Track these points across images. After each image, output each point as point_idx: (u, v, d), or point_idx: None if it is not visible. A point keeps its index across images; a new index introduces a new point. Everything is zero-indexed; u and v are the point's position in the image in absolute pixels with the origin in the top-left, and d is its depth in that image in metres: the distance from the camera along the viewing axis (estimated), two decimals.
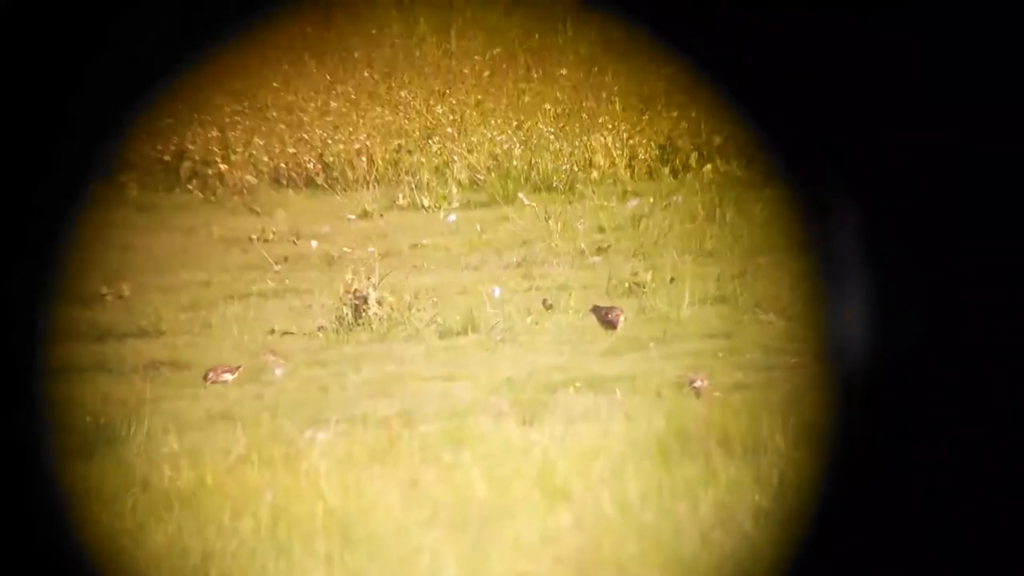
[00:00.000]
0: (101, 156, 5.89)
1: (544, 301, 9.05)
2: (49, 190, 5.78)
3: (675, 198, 10.41)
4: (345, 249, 9.79)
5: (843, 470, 5.67)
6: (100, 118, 5.75)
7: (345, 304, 8.79)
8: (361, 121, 11.17)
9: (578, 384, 7.88)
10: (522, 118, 11.68)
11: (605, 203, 10.49)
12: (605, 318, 8.54)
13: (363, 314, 8.77)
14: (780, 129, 5.69)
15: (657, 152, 11.22)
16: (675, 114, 11.42)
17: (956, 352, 5.41)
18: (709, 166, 10.96)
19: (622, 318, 8.51)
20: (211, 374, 8.15)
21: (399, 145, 11.03)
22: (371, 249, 9.75)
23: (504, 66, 12.28)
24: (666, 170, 11.08)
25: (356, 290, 8.79)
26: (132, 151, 10.87)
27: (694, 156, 11.11)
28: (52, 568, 5.49)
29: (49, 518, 5.58)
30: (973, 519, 5.43)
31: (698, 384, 7.68)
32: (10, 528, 5.48)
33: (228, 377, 8.14)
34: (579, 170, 11.09)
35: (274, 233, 10.11)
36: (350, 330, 8.76)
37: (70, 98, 5.64)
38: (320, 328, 8.81)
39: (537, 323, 8.83)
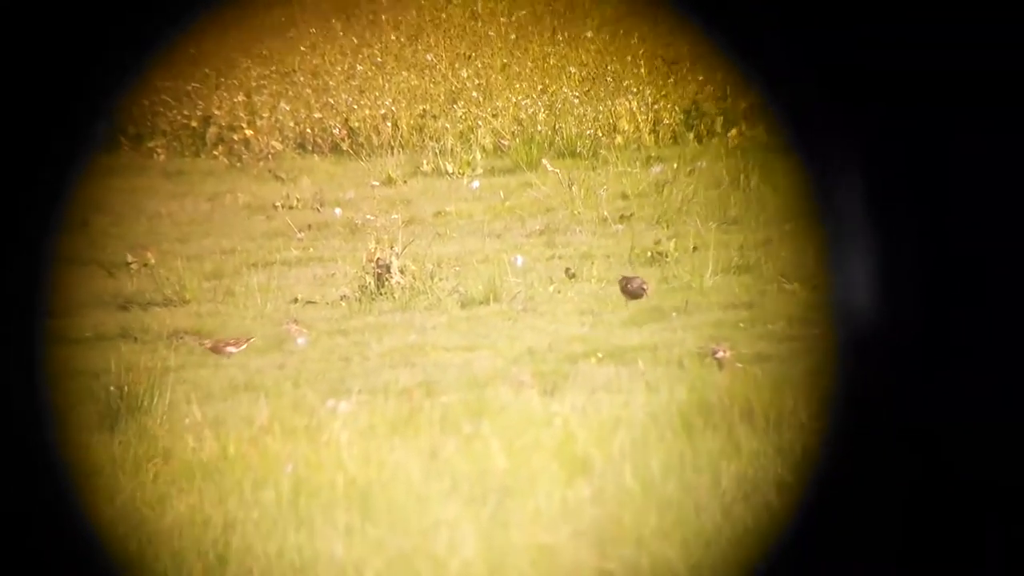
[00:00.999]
0: (106, 112, 5.85)
1: (567, 270, 8.96)
2: (54, 147, 5.74)
3: (700, 164, 10.28)
4: (369, 216, 9.71)
5: (846, 437, 5.61)
6: (104, 73, 5.70)
7: (368, 273, 8.72)
8: (387, 85, 11.08)
9: (600, 355, 7.79)
10: (547, 82, 11.56)
11: (629, 169, 10.37)
12: (628, 288, 8.44)
13: (386, 283, 8.70)
14: (790, 97, 5.59)
15: (682, 116, 11.09)
16: (701, 78, 11.27)
17: (962, 320, 5.33)
18: (735, 131, 10.82)
19: (647, 288, 8.41)
20: (218, 345, 8.10)
21: (424, 110, 10.94)
22: (395, 216, 9.67)
23: (530, 28, 12.16)
24: (691, 135, 10.95)
25: (379, 259, 8.71)
26: (160, 115, 10.82)
27: (720, 120, 10.97)
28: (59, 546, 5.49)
29: (56, 492, 5.57)
30: (977, 493, 5.36)
31: (720, 355, 7.59)
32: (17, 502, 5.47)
33: (232, 350, 8.07)
34: (603, 135, 10.98)
35: (298, 200, 10.05)
36: (373, 299, 8.70)
37: (73, 52, 5.60)
38: (343, 297, 8.75)
39: (559, 292, 8.74)
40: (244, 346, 8.12)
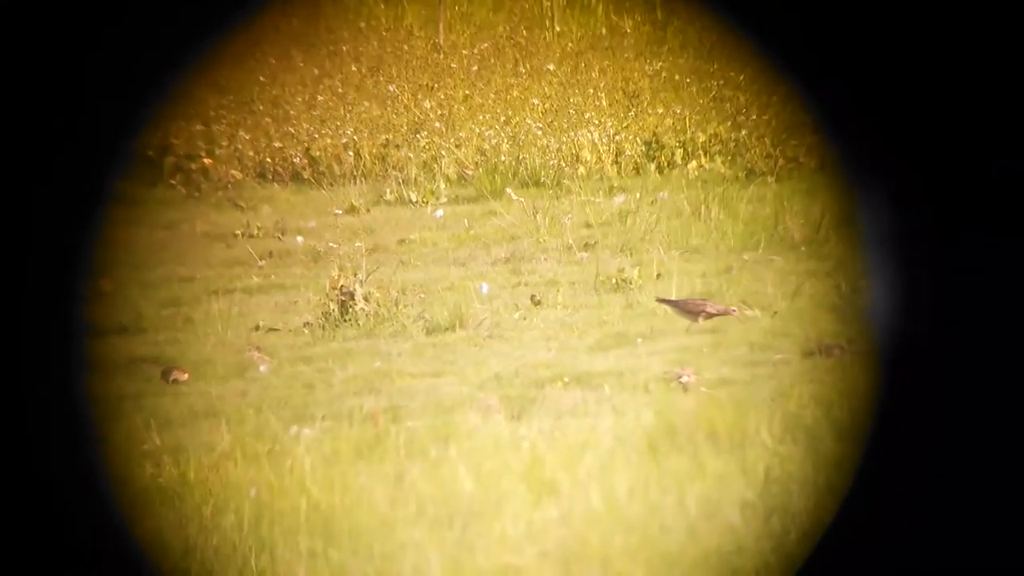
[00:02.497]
0: (118, 153, 5.98)
1: (533, 297, 9.08)
2: (64, 192, 5.85)
3: (661, 194, 10.44)
4: (331, 244, 9.80)
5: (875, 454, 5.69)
6: (104, 118, 5.81)
7: (332, 300, 8.80)
8: (348, 115, 11.19)
9: (566, 379, 7.90)
10: (510, 113, 11.70)
11: (592, 199, 10.52)
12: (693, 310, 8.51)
13: (350, 310, 8.78)
14: (839, 118, 5.72)
15: (643, 148, 11.27)
16: (660, 111, 11.47)
17: (983, 338, 5.43)
18: (694, 163, 11.00)
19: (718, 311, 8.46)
20: (173, 373, 8.14)
21: (387, 140, 11.05)
22: (358, 244, 9.76)
23: (492, 61, 12.31)
24: (652, 166, 11.13)
25: (343, 286, 8.80)
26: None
27: (679, 153, 11.16)
28: None
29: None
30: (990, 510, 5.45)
31: (685, 379, 7.71)
32: None
33: (184, 377, 8.12)
34: (566, 165, 11.12)
35: (259, 228, 10.12)
36: (336, 326, 8.77)
37: (71, 101, 5.70)
38: (306, 324, 8.82)
39: (525, 319, 8.85)
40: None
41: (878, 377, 5.79)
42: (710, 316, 8.32)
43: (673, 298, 8.59)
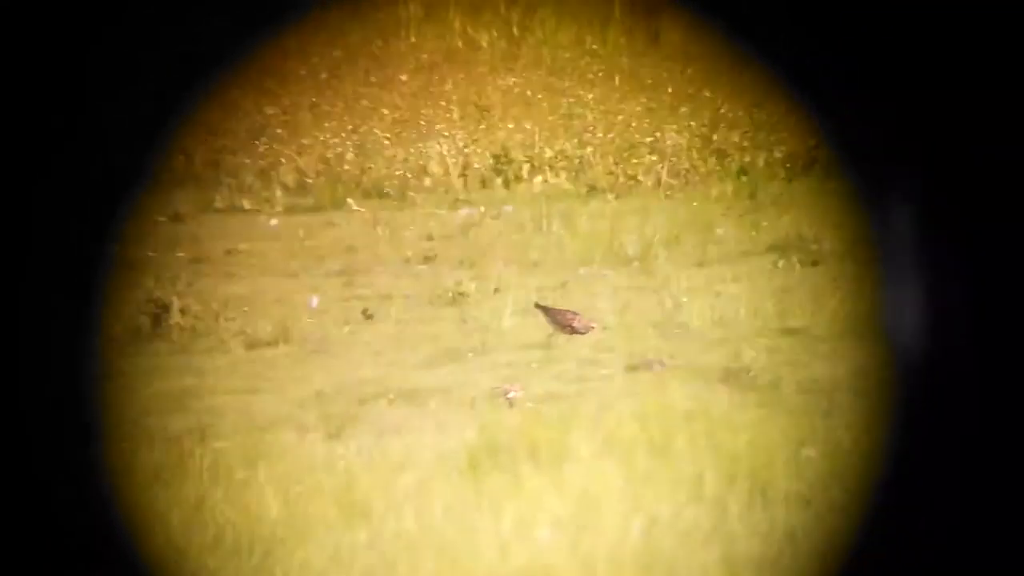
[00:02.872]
0: (141, 166, 5.88)
1: (364, 311, 8.90)
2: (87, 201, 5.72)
3: (506, 208, 10.38)
4: (150, 253, 9.53)
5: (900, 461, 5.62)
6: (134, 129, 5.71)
7: (144, 313, 8.52)
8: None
9: (391, 396, 7.74)
10: (357, 122, 11.59)
11: (437, 211, 10.42)
12: (564, 323, 8.39)
13: (163, 324, 8.50)
14: (849, 127, 5.63)
15: (491, 162, 11.23)
16: (511, 126, 11.47)
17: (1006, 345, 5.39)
18: (539, 178, 10.99)
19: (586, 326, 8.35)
20: None
21: (223, 145, 10.84)
22: (180, 254, 9.51)
23: (343, 68, 12.19)
24: (499, 180, 11.08)
25: (158, 297, 8.53)
26: None
27: (526, 167, 11.14)
28: None
29: None
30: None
31: (512, 395, 7.61)
32: None
33: None
34: (412, 177, 11.03)
35: None
36: (149, 341, 8.48)
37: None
38: (111, 339, 8.51)
39: (354, 333, 8.67)
40: None
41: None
42: (574, 332, 8.23)
43: (550, 305, 8.47)
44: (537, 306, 8.48)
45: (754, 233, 9.49)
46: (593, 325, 8.24)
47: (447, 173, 11.15)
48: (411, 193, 10.91)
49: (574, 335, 8.26)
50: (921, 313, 5.40)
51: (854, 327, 8.02)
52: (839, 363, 7.57)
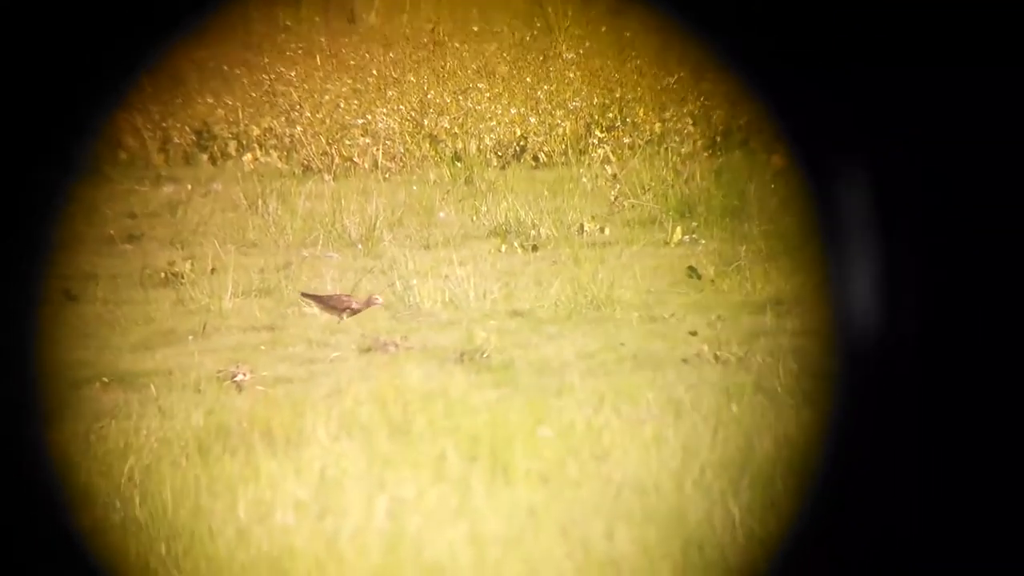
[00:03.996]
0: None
1: (67, 292, 8.74)
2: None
3: (215, 186, 10.35)
4: None
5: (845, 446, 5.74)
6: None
7: None
8: None
9: (105, 379, 7.67)
10: None
11: (137, 187, 10.29)
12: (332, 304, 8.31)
13: None
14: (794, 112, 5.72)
15: (193, 138, 11.14)
16: (210, 100, 11.39)
17: (960, 333, 5.56)
18: (249, 156, 10.99)
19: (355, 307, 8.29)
20: None
21: None
22: None
23: None
24: (204, 157, 11.02)
25: None
26: None
27: (233, 144, 11.11)
28: None
29: None
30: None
31: (240, 378, 7.66)
32: None
33: None
34: (104, 149, 10.83)
35: None
36: None
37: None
38: None
39: (56, 315, 8.51)
40: None
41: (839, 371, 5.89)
42: (355, 312, 8.28)
43: (316, 293, 8.49)
44: (304, 295, 8.53)
45: (475, 217, 9.80)
46: (378, 299, 8.34)
47: (144, 147, 11.02)
48: (106, 167, 10.72)
49: (356, 314, 8.34)
50: (870, 299, 5.71)
51: (577, 310, 8.44)
52: (566, 344, 7.96)
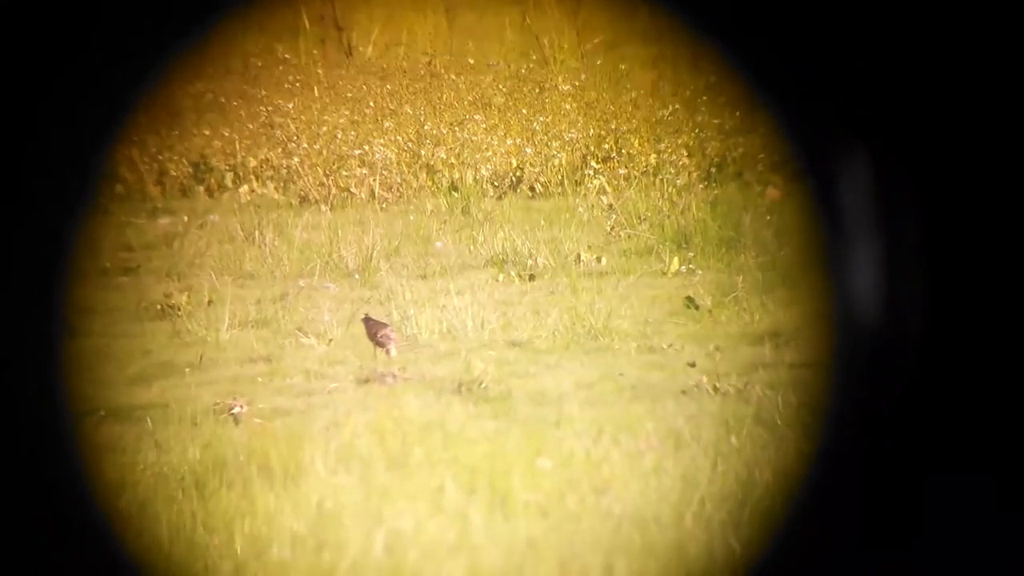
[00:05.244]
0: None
1: (67, 326, 8.68)
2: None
3: (212, 218, 10.31)
4: None
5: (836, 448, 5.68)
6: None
7: None
8: None
9: (102, 413, 7.60)
10: None
11: (134, 220, 10.25)
12: (376, 336, 8.22)
13: None
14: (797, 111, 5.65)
15: (190, 170, 11.12)
16: (207, 132, 11.38)
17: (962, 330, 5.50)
18: (246, 187, 10.96)
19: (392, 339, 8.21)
20: None
21: None
22: None
23: None
24: (200, 189, 10.99)
25: None
26: None
27: (229, 176, 11.09)
28: None
29: None
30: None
31: (237, 410, 7.59)
32: None
33: None
34: (101, 182, 10.78)
35: None
36: None
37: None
38: None
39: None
40: None
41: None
42: (379, 345, 8.19)
43: (379, 319, 8.38)
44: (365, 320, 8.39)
45: (472, 247, 9.76)
46: (391, 353, 8.21)
47: (141, 180, 10.99)
48: (103, 200, 10.67)
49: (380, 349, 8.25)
50: (874, 305, 5.66)
51: (575, 340, 8.38)
52: (564, 374, 7.90)
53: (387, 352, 8.20)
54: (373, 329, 8.24)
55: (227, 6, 5.96)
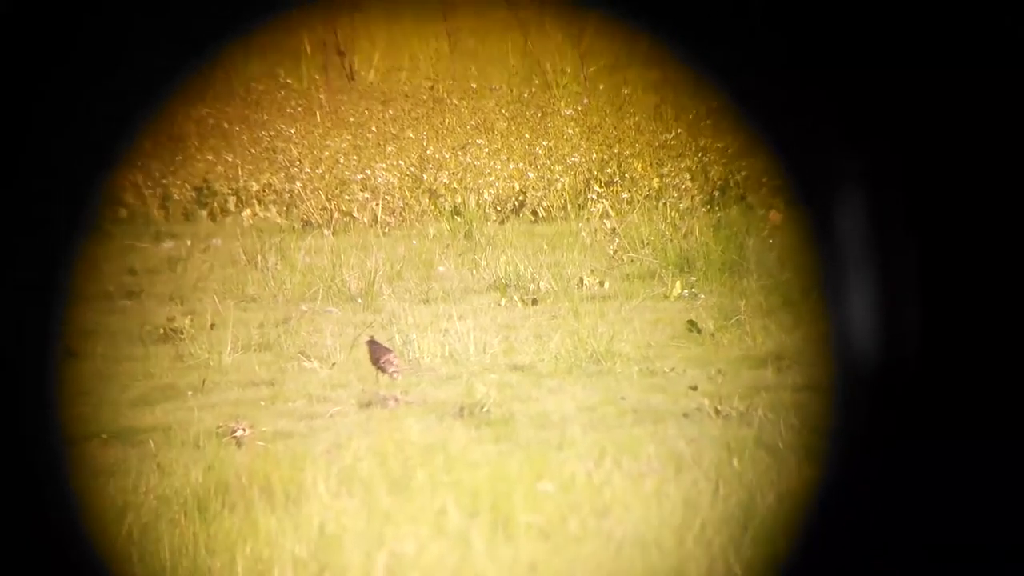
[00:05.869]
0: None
1: (66, 348, 8.71)
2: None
3: (215, 242, 10.34)
4: None
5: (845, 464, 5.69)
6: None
7: None
8: None
9: (105, 436, 7.62)
10: None
11: (137, 244, 10.29)
12: (378, 361, 8.23)
13: None
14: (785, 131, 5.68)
15: (193, 194, 11.16)
16: (210, 157, 11.42)
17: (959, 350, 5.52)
18: (248, 211, 11.00)
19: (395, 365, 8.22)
20: None
21: None
22: None
23: None
24: (203, 213, 11.03)
25: None
26: None
27: (232, 200, 11.13)
28: None
29: None
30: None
31: (240, 433, 7.61)
32: None
33: None
34: (104, 207, 10.83)
35: None
36: None
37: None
38: None
39: (58, 372, 8.47)
40: None
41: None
42: (380, 369, 8.20)
43: (384, 344, 8.40)
44: (369, 342, 8.42)
45: (474, 272, 9.79)
46: (396, 376, 8.21)
47: (144, 204, 11.04)
48: (106, 225, 10.72)
49: (382, 374, 8.25)
50: (873, 328, 5.68)
51: (577, 363, 8.40)
52: (566, 398, 7.92)
53: (391, 377, 8.22)
54: (377, 354, 8.26)
55: (235, 32, 6.01)
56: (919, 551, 5.60)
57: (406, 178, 11.12)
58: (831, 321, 5.79)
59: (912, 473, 5.60)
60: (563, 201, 10.91)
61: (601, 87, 11.86)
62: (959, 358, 5.55)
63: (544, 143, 11.26)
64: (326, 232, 10.64)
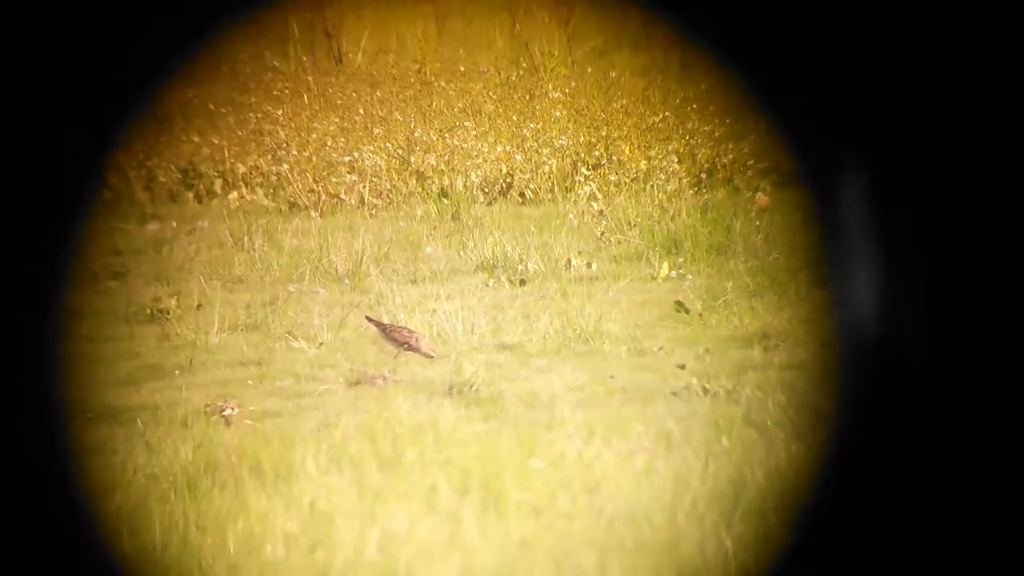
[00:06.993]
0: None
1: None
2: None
3: (201, 223, 10.36)
4: None
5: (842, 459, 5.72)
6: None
7: None
8: None
9: (90, 415, 7.65)
10: None
11: (122, 225, 10.30)
12: (395, 337, 8.23)
13: None
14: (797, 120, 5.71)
15: (179, 176, 11.17)
16: (196, 139, 11.42)
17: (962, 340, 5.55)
18: (235, 193, 11.01)
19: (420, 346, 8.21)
20: None
21: None
22: None
23: None
24: (189, 195, 11.04)
25: None
26: None
27: (219, 183, 11.14)
28: None
29: None
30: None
31: (228, 412, 7.65)
32: None
33: None
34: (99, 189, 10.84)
35: None
36: None
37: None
38: None
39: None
40: None
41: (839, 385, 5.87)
42: (411, 350, 8.21)
43: (383, 321, 8.42)
44: (368, 319, 8.46)
45: (462, 253, 9.83)
46: (432, 354, 8.22)
47: (129, 186, 11.05)
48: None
49: (411, 354, 8.24)
50: (873, 311, 5.71)
51: (565, 343, 8.45)
52: (555, 377, 7.97)
53: (425, 355, 8.20)
54: (401, 337, 8.23)
55: (230, 16, 6.04)
56: (919, 551, 5.65)
57: (393, 160, 11.15)
58: (832, 302, 5.84)
59: (912, 473, 5.66)
60: (551, 183, 10.95)
61: (589, 70, 11.89)
62: (959, 358, 5.60)
63: (532, 125, 11.30)
64: (313, 214, 10.66)
